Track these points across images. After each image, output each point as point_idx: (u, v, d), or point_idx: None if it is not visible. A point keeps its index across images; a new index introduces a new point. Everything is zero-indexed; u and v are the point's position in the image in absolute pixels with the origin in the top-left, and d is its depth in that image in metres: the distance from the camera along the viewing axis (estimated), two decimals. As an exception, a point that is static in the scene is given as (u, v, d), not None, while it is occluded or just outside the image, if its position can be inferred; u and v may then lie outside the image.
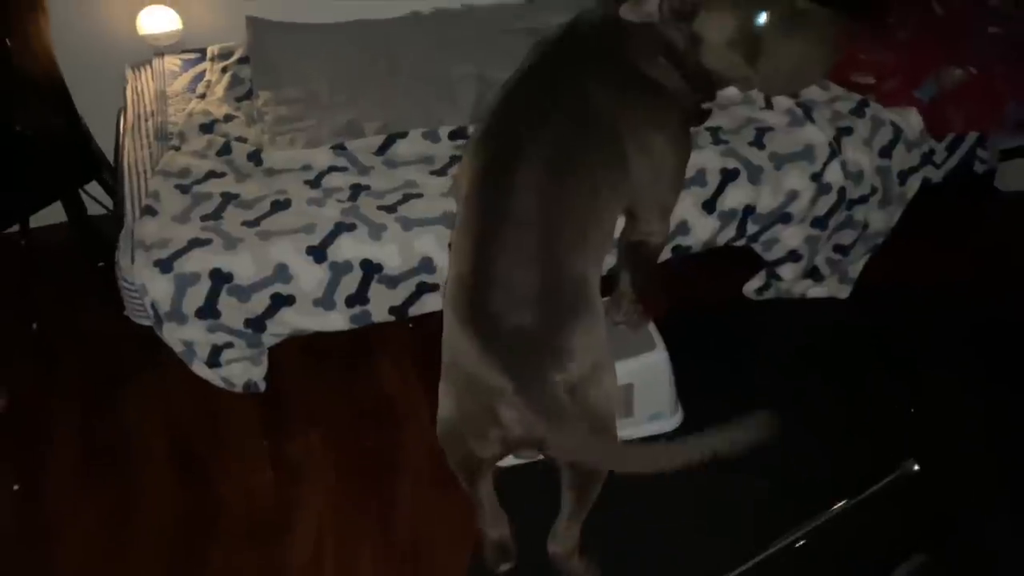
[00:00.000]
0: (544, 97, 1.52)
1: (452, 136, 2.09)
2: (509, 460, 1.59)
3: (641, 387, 1.90)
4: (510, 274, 1.35)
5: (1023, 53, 2.36)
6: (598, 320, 1.41)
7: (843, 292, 2.30)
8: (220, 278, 1.76)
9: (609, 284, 1.83)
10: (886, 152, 2.12)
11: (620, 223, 1.72)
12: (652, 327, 1.93)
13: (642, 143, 1.55)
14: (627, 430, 1.93)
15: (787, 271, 2.16)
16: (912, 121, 2.16)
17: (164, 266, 1.76)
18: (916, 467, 1.59)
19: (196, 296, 1.76)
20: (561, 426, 1.29)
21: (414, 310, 1.89)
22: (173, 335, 1.81)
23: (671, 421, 1.98)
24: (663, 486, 1.78)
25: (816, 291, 2.29)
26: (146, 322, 1.83)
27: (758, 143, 2.02)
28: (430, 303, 1.88)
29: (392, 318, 1.89)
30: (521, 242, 1.37)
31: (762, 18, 1.51)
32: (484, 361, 1.31)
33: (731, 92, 2.08)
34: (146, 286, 1.76)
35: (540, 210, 1.40)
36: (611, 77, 1.55)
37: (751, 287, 2.30)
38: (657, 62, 1.57)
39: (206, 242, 1.79)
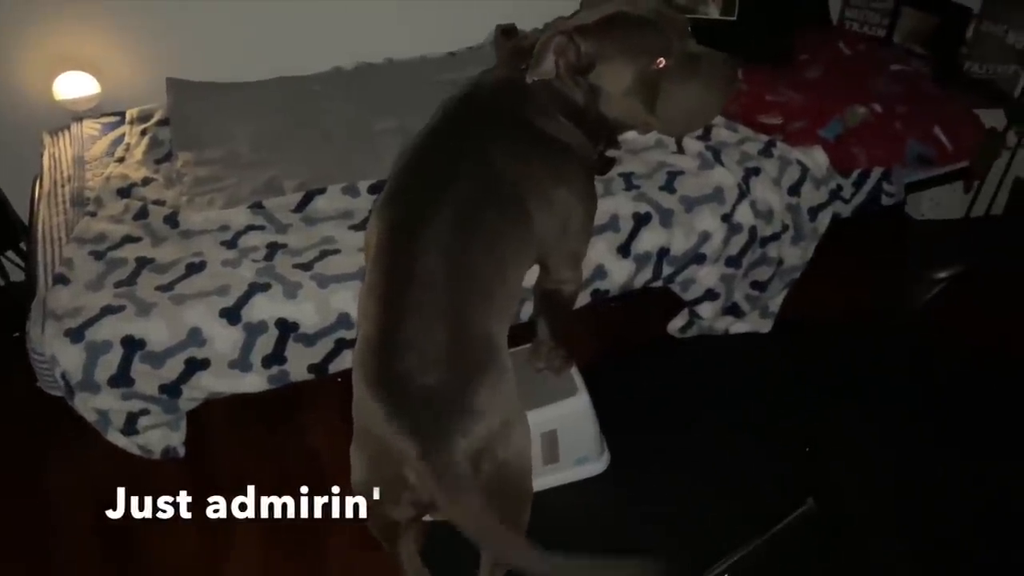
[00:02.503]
0: (446, 159, 1.54)
1: (372, 190, 2.10)
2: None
3: (565, 432, 1.91)
4: (416, 336, 1.36)
5: (922, 91, 2.47)
6: (506, 376, 1.42)
7: (765, 327, 2.35)
8: (132, 345, 1.74)
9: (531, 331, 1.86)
10: (795, 190, 2.19)
11: (535, 272, 1.74)
12: (575, 371, 1.94)
13: (546, 200, 1.57)
14: (554, 475, 1.94)
15: (706, 309, 2.20)
16: (818, 159, 2.23)
17: (75, 335, 1.73)
18: (815, 505, 1.62)
19: (108, 365, 1.74)
20: (457, 498, 1.29)
21: (334, 367, 1.88)
22: (86, 405, 1.78)
23: (598, 464, 1.99)
24: (570, 518, 1.81)
25: (738, 327, 2.34)
26: (58, 393, 1.80)
27: (669, 187, 2.06)
28: (350, 359, 1.83)
29: (312, 376, 1.88)
30: (426, 303, 1.38)
31: (658, 64, 1.55)
32: (391, 424, 1.31)
33: (646, 137, 2.14)
34: (56, 357, 1.73)
35: (444, 271, 1.41)
36: (511, 137, 1.56)
37: (675, 326, 2.34)
38: (556, 119, 1.59)
39: (119, 309, 1.77)
